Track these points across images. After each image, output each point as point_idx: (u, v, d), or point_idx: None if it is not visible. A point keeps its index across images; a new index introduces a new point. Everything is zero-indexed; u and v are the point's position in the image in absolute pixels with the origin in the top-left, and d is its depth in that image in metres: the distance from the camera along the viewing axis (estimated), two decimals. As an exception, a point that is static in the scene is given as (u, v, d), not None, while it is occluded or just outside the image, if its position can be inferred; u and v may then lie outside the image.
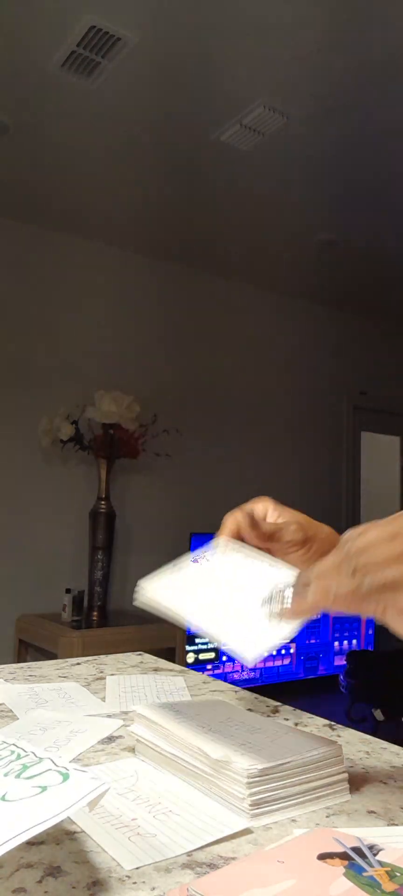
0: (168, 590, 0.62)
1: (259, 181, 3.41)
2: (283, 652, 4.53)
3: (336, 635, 4.82)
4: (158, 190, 3.52)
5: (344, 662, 4.73)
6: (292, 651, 4.57)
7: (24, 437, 3.80)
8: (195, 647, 4.03)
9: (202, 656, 4.06)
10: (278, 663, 4.50)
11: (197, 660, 4.02)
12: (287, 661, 4.54)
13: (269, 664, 4.45)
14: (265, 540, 0.70)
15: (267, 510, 0.75)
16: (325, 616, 4.83)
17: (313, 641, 4.68)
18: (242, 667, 4.31)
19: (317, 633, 4.70)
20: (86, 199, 3.65)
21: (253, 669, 4.35)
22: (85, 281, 4.09)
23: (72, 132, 3.01)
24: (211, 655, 4.13)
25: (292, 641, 4.57)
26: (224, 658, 4.20)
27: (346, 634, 4.87)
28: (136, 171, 3.34)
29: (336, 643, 4.82)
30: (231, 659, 4.25)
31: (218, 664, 4.14)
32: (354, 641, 4.90)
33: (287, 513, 0.73)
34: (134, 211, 3.77)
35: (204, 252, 4.28)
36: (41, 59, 2.51)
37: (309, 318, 5.09)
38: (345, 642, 4.86)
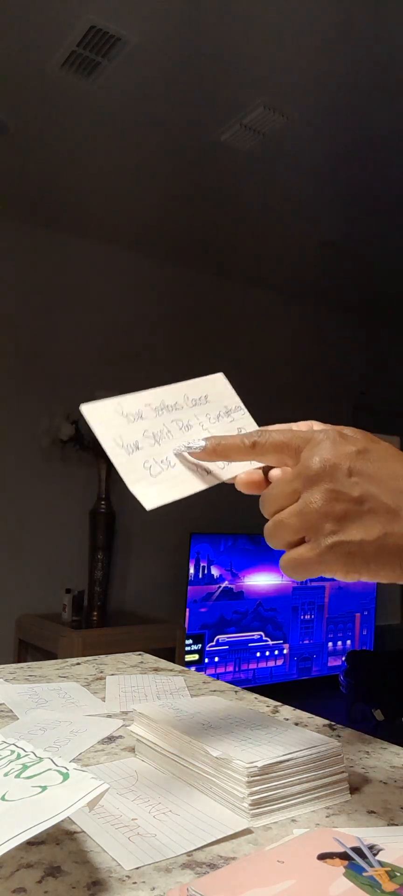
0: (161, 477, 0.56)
1: (259, 181, 3.41)
2: (276, 653, 4.51)
3: (330, 636, 4.78)
4: (158, 190, 3.53)
5: (341, 662, 4.73)
6: (285, 652, 4.54)
7: (24, 437, 3.80)
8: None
9: (186, 657, 4.04)
10: (271, 664, 4.47)
11: None
12: (280, 662, 4.51)
13: (262, 665, 4.43)
14: None
15: (311, 427, 0.63)
16: (319, 616, 4.81)
17: (307, 642, 4.65)
18: (234, 668, 4.29)
19: (311, 634, 4.67)
20: (86, 200, 3.65)
21: (246, 670, 4.33)
22: (85, 281, 4.09)
23: (72, 132, 3.01)
24: (195, 657, 4.11)
25: (285, 642, 4.54)
26: (205, 660, 4.17)
27: (340, 635, 4.82)
28: (136, 171, 3.34)
29: (330, 643, 4.78)
30: (222, 661, 4.23)
31: (203, 666, 4.13)
32: (348, 642, 4.86)
33: (329, 426, 0.61)
34: (133, 211, 3.77)
35: (203, 252, 4.28)
36: (41, 59, 2.51)
37: (309, 319, 5.09)
38: (339, 643, 4.83)
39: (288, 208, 3.70)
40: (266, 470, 0.59)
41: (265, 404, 5.11)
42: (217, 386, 0.66)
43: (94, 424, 0.57)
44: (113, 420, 0.58)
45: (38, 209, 3.75)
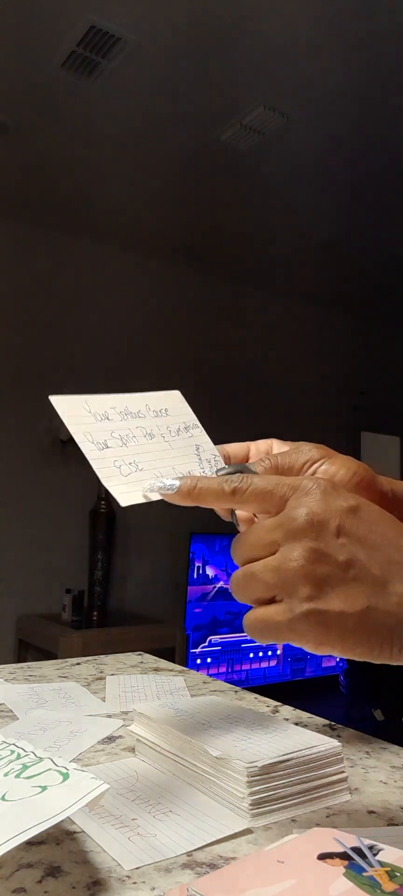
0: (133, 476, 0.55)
1: (259, 181, 3.41)
2: (270, 653, 4.48)
3: None
4: (158, 190, 3.52)
5: (336, 663, 4.70)
6: (279, 652, 4.51)
7: (24, 437, 3.80)
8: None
9: None
10: (264, 665, 4.43)
11: None
12: (273, 663, 4.48)
13: (255, 665, 4.40)
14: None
15: (271, 446, 0.62)
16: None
17: None
18: (226, 669, 4.26)
19: None
20: (86, 200, 3.65)
21: (238, 671, 4.30)
22: (84, 281, 4.09)
23: (72, 132, 3.01)
24: None
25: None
26: (198, 661, 4.14)
27: None
28: (135, 171, 3.34)
29: None
30: (215, 662, 4.20)
31: (189, 667, 4.10)
32: None
33: (295, 443, 0.58)
34: (133, 211, 3.77)
35: (203, 252, 4.28)
36: (41, 59, 2.51)
37: (309, 319, 5.09)
38: None
39: (287, 208, 3.70)
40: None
41: (265, 405, 5.12)
42: (174, 401, 0.66)
43: (65, 417, 0.57)
44: (82, 415, 0.58)
45: (38, 209, 3.75)
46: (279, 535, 0.46)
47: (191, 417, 0.65)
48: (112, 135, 3.03)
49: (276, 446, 0.61)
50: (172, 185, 3.49)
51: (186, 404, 0.66)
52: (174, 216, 3.82)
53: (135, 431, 0.59)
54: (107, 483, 0.54)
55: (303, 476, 0.51)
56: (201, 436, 0.64)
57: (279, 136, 2.98)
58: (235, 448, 0.61)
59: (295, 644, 0.46)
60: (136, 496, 0.54)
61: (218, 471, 0.59)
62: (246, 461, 0.61)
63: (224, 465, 0.60)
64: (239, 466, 0.56)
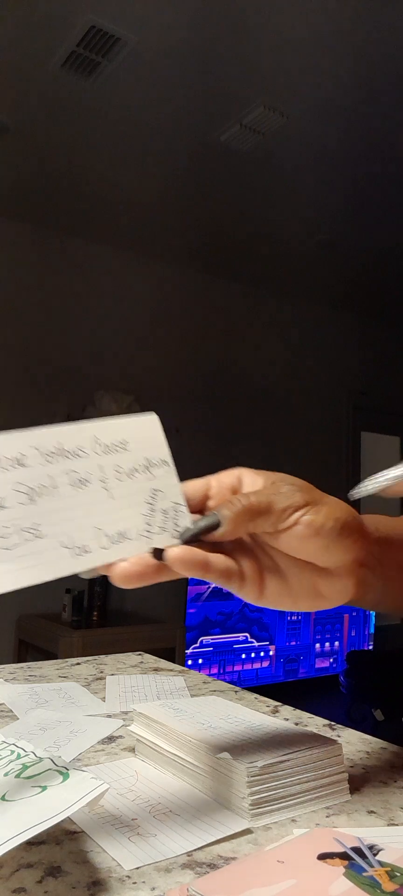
0: None
1: (258, 181, 3.41)
2: (262, 654, 4.46)
3: (318, 637, 4.71)
4: (157, 190, 3.53)
5: (330, 664, 4.69)
6: (271, 653, 4.48)
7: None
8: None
9: None
10: (257, 666, 4.39)
11: None
12: (266, 664, 4.44)
13: (248, 666, 4.36)
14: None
15: (239, 480, 0.53)
16: (307, 617, 4.70)
17: (293, 643, 4.58)
18: (218, 670, 4.24)
19: (298, 635, 4.59)
20: (86, 200, 3.65)
21: (230, 672, 4.28)
22: (84, 281, 4.09)
23: (72, 132, 3.01)
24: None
25: (272, 643, 4.49)
26: (190, 662, 4.13)
27: (328, 636, 4.74)
28: (135, 171, 3.34)
29: (318, 645, 4.71)
30: (206, 663, 4.16)
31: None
32: (336, 643, 4.79)
33: (271, 476, 0.53)
34: (133, 211, 3.77)
35: (203, 252, 4.28)
36: (41, 59, 2.51)
37: (308, 318, 5.09)
38: (327, 644, 4.75)
39: (287, 208, 3.70)
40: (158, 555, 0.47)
41: (265, 405, 5.12)
42: (143, 430, 0.52)
43: None
44: None
45: (39, 209, 3.75)
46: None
47: (161, 452, 0.52)
48: (112, 135, 3.03)
49: (246, 477, 0.53)
50: (172, 186, 3.49)
51: (160, 434, 0.53)
52: (174, 216, 3.82)
53: (59, 479, 0.47)
54: None
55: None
56: (166, 477, 0.51)
57: (279, 136, 2.98)
58: (191, 488, 0.52)
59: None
60: (12, 581, 0.43)
61: (180, 530, 0.49)
62: (207, 499, 0.52)
63: (187, 515, 0.50)
64: (211, 518, 0.48)
